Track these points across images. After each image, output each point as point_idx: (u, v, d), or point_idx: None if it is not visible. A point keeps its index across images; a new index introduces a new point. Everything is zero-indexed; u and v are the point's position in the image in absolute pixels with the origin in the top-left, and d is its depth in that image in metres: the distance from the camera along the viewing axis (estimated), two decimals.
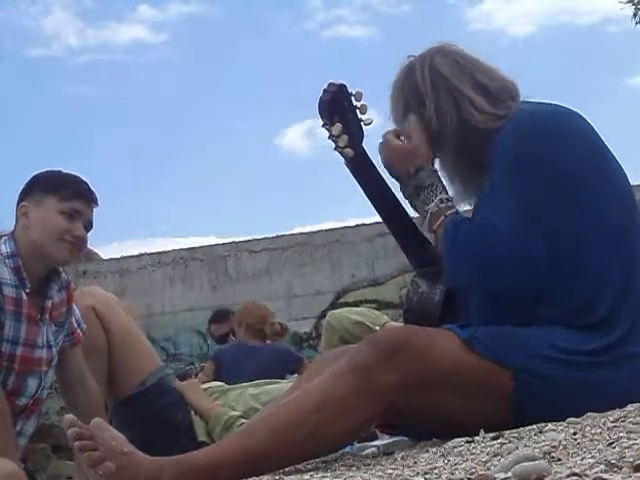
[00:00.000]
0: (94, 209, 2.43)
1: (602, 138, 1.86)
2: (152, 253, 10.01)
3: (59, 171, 2.46)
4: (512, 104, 1.86)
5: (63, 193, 2.36)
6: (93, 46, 24.05)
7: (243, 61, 21.68)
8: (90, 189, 2.44)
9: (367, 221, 9.10)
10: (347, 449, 1.93)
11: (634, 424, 1.33)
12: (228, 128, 20.79)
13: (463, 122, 1.85)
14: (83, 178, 2.46)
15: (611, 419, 1.43)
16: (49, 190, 2.37)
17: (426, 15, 23.91)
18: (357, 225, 9.49)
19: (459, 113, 1.85)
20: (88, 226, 2.42)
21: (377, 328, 3.86)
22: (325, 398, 1.59)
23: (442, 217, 1.84)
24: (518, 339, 1.68)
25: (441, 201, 1.86)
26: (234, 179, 19.77)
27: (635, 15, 10.45)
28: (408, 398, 1.61)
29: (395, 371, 1.60)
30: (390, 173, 1.96)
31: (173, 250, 10.01)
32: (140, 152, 21.00)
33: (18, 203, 2.40)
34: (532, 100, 1.90)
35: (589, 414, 1.53)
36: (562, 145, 1.77)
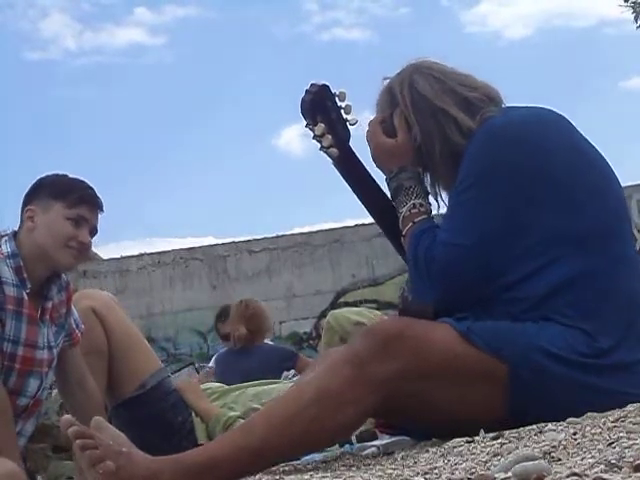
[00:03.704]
0: (99, 215, 2.45)
1: (587, 140, 1.86)
2: (152, 253, 10.02)
3: (65, 175, 2.46)
4: (495, 109, 1.86)
5: (70, 199, 2.37)
6: (91, 49, 24.07)
7: (240, 63, 21.71)
8: (96, 195, 2.45)
9: (366, 221, 9.10)
10: (347, 449, 1.94)
11: (634, 424, 1.33)
12: (225, 129, 20.84)
13: (448, 143, 1.86)
14: (89, 183, 2.46)
15: (611, 419, 1.43)
16: (56, 195, 2.37)
17: (422, 18, 23.90)
18: (356, 225, 9.51)
19: (443, 134, 1.86)
20: (93, 231, 2.43)
21: None
22: (322, 391, 1.58)
23: (410, 223, 1.87)
24: (514, 333, 1.69)
25: (413, 206, 1.88)
26: (232, 180, 19.83)
27: (636, 19, 10.45)
28: (404, 389, 1.62)
29: (391, 361, 1.60)
30: (377, 166, 1.99)
31: (173, 250, 10.02)
32: (137, 154, 21.06)
33: (24, 206, 2.40)
34: (516, 105, 1.91)
35: (589, 414, 1.53)
36: (532, 148, 1.77)
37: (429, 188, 1.96)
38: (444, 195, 1.96)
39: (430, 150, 1.88)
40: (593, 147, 1.87)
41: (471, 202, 1.77)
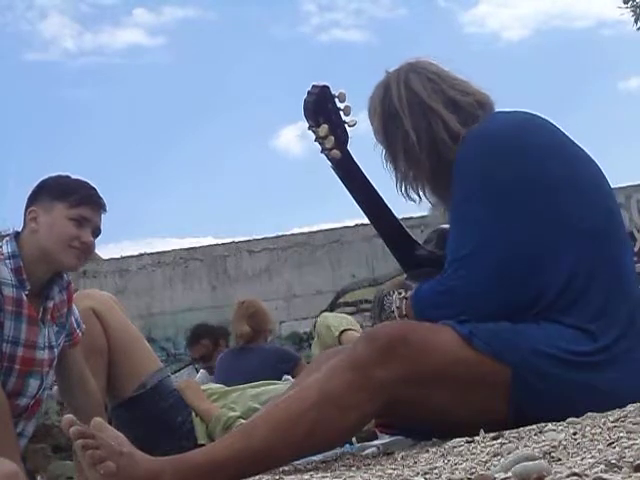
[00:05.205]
0: (102, 215, 2.44)
1: (575, 143, 1.87)
2: (152, 253, 10.01)
3: (67, 176, 2.46)
4: (482, 115, 1.88)
5: (71, 199, 2.37)
6: (90, 50, 24.04)
7: (238, 64, 21.72)
8: (98, 195, 2.45)
9: (366, 221, 9.07)
10: (347, 449, 1.94)
11: (634, 424, 1.33)
12: (224, 130, 20.85)
13: (435, 141, 1.87)
14: (91, 184, 2.46)
15: (611, 419, 1.43)
16: (58, 196, 2.38)
17: (421, 19, 23.94)
18: (356, 225, 9.49)
19: (431, 133, 1.88)
20: (96, 231, 2.42)
21: (337, 334, 3.97)
22: (324, 395, 1.59)
23: (405, 301, 1.89)
24: (516, 336, 1.69)
25: (399, 299, 1.90)
26: (232, 180, 19.84)
27: (636, 21, 10.44)
28: (406, 393, 1.62)
29: (393, 366, 1.60)
30: None
31: (173, 250, 10.01)
32: (137, 154, 21.08)
33: (27, 207, 2.40)
34: (504, 110, 1.92)
35: (589, 414, 1.53)
36: (518, 156, 1.78)
37: (412, 187, 1.96)
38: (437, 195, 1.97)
39: (418, 145, 1.89)
40: (582, 150, 1.88)
41: (469, 215, 1.78)
